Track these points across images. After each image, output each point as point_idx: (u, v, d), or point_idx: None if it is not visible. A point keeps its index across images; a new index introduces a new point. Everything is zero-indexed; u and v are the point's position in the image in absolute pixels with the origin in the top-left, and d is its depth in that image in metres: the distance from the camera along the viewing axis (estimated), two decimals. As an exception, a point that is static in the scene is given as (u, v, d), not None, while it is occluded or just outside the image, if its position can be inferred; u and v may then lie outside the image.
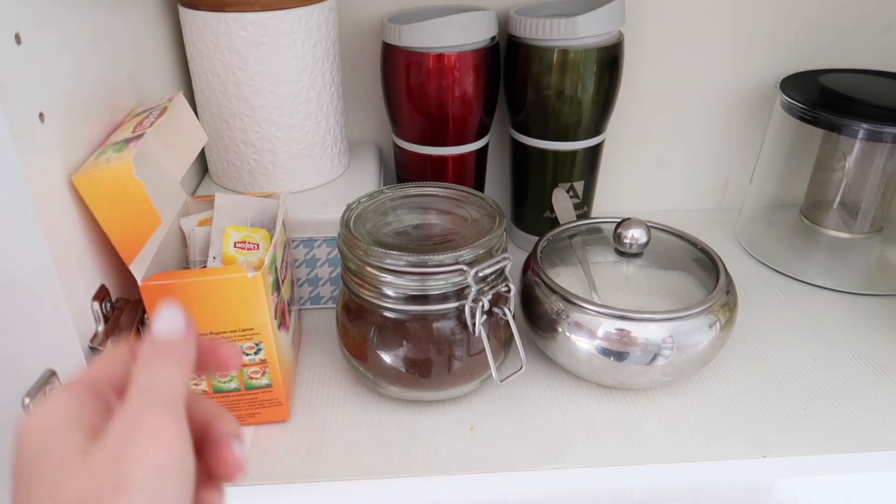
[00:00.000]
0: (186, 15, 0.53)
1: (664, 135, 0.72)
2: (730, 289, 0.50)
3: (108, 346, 0.39)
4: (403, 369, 0.47)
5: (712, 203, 0.77)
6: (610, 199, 0.75)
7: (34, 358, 0.32)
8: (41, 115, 0.36)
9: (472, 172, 0.64)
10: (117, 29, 0.47)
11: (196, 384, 0.45)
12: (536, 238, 0.56)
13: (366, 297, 0.46)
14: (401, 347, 0.47)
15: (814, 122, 0.60)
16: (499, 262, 0.45)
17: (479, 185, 0.67)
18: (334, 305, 0.54)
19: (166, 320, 0.26)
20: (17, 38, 0.34)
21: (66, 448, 0.22)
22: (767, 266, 0.66)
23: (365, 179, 0.62)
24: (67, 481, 0.21)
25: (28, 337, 0.31)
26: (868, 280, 0.63)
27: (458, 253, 0.44)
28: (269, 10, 0.51)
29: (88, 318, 0.40)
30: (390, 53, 0.58)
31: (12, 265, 0.30)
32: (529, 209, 0.67)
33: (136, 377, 0.24)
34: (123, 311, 0.43)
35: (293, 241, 0.56)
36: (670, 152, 0.73)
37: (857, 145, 0.61)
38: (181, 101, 0.48)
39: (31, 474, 0.22)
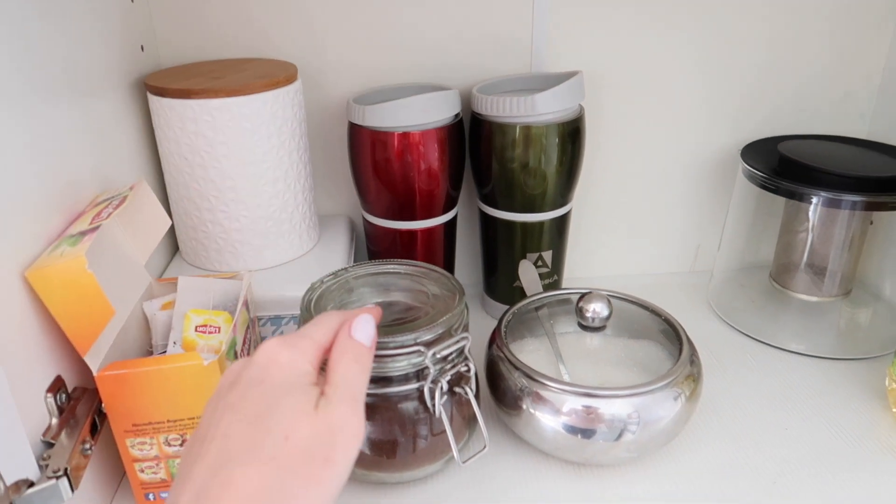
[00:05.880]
0: (154, 102, 0.55)
1: (633, 201, 0.73)
2: (693, 359, 0.50)
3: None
4: (366, 450, 0.47)
5: (685, 267, 0.77)
6: (583, 266, 0.75)
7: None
8: (-6, 213, 0.36)
9: (440, 245, 0.65)
10: (82, 122, 0.48)
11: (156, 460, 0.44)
12: (508, 307, 0.57)
13: (326, 380, 0.46)
14: (363, 429, 0.46)
15: (775, 190, 0.61)
16: (457, 342, 0.45)
17: (450, 257, 0.67)
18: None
19: (363, 329, 0.35)
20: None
21: (306, 399, 0.30)
22: (739, 331, 0.66)
23: (334, 254, 0.63)
24: (301, 426, 0.29)
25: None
26: (839, 344, 0.63)
27: (417, 334, 0.44)
28: (234, 95, 0.53)
29: (42, 411, 0.40)
30: (356, 132, 0.60)
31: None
32: (500, 279, 0.67)
33: (333, 370, 0.32)
34: (80, 400, 0.43)
35: (260, 319, 0.56)
36: (640, 218, 0.74)
37: (819, 211, 0.62)
38: (143, 188, 0.48)
39: (270, 405, 0.29)
